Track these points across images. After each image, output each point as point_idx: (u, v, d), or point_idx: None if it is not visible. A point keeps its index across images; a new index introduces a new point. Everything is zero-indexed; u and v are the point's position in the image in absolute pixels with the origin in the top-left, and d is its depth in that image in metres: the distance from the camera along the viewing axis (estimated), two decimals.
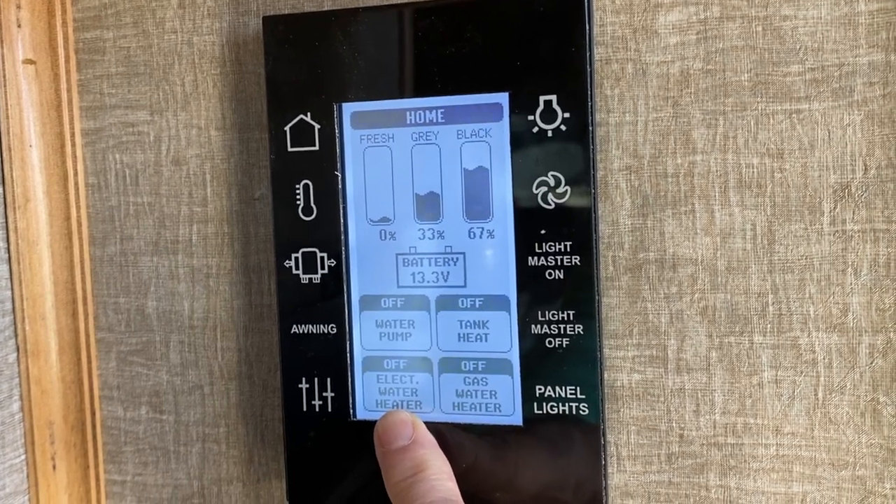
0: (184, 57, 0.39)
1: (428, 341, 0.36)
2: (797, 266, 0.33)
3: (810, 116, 0.32)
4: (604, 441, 0.34)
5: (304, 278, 0.36)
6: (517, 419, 0.34)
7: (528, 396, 0.34)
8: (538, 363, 0.34)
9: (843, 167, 0.32)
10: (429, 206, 0.35)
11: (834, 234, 0.32)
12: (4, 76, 0.39)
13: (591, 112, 0.33)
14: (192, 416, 0.41)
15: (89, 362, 0.41)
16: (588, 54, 0.33)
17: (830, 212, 0.32)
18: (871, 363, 0.32)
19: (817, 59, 0.32)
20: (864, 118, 0.32)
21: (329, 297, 0.36)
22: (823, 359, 0.33)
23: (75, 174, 0.41)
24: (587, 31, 0.33)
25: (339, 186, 0.36)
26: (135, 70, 0.40)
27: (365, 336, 0.36)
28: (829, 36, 0.32)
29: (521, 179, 0.34)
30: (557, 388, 0.34)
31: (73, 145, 0.41)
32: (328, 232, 0.36)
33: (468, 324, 0.35)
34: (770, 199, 0.33)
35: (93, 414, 0.42)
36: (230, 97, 0.39)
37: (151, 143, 0.40)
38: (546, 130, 0.33)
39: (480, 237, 0.35)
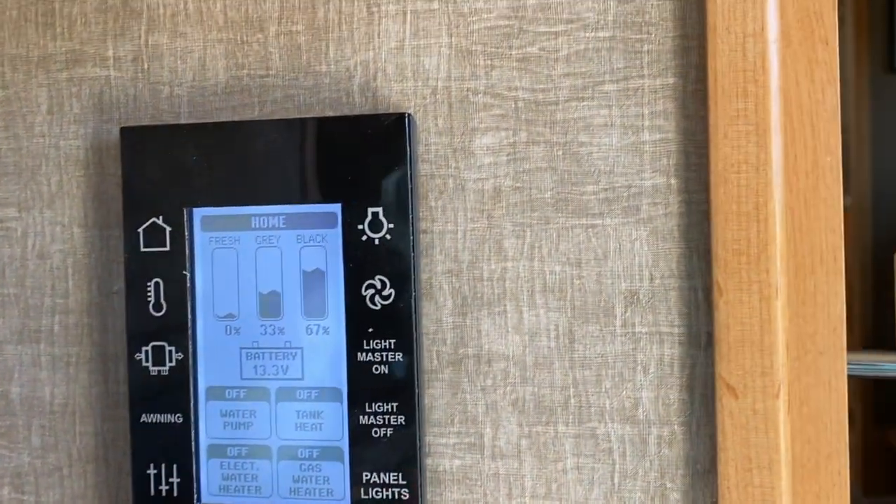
0: (51, 159, 0.42)
1: (268, 430, 0.38)
2: (594, 363, 0.37)
3: (604, 231, 0.37)
4: None
5: (154, 370, 0.39)
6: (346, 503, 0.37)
7: (355, 482, 0.37)
8: (365, 451, 0.37)
9: (632, 276, 0.36)
10: (271, 303, 0.38)
11: (625, 336, 0.36)
12: None
13: (413, 223, 0.37)
14: (52, 496, 0.43)
15: None
16: (409, 172, 0.37)
17: (622, 315, 0.36)
18: (659, 452, 0.36)
19: (609, 180, 0.36)
20: (650, 233, 0.36)
21: (176, 388, 0.39)
22: (618, 448, 0.37)
23: None
24: (408, 152, 0.37)
25: (189, 285, 0.39)
26: (4, 170, 0.43)
27: (210, 425, 0.39)
28: (619, 161, 0.36)
29: (353, 281, 0.37)
30: (382, 474, 0.37)
31: None
32: (176, 327, 0.39)
33: (304, 413, 0.38)
34: (570, 302, 0.37)
35: None
36: (93, 197, 0.42)
37: (19, 238, 0.43)
38: (374, 238, 0.37)
39: (317, 333, 0.38)
